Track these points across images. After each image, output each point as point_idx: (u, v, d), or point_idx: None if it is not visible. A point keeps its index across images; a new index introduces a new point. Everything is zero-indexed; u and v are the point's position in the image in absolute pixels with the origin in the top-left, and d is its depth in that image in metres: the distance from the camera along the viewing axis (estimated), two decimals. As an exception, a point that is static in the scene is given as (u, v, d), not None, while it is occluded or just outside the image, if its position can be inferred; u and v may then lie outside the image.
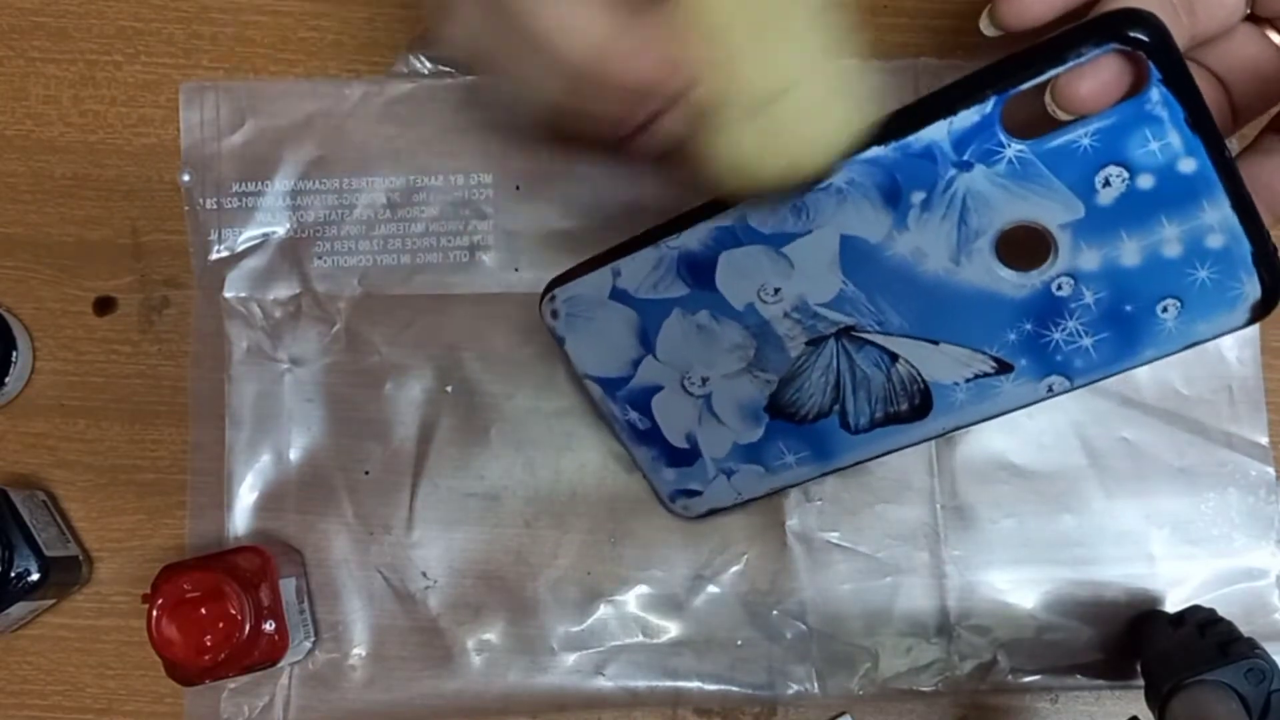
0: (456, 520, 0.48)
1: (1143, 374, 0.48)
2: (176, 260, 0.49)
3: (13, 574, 0.44)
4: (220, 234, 0.49)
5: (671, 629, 0.47)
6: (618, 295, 0.40)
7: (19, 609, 0.45)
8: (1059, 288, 0.35)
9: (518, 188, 0.49)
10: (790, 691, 0.47)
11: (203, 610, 0.42)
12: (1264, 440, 0.48)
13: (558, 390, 0.48)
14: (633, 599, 0.47)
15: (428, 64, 0.49)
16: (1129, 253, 0.34)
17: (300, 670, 0.47)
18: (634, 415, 0.42)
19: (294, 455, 0.48)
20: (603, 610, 0.47)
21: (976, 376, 0.37)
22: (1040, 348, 0.36)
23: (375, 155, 0.49)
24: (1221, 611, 0.44)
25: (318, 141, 0.49)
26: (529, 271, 0.49)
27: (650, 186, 0.49)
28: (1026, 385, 0.37)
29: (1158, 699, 0.41)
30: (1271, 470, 0.48)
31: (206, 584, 0.42)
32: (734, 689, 0.47)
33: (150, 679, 0.47)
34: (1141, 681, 0.44)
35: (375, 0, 0.50)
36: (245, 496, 0.48)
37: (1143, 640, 0.46)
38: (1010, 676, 0.47)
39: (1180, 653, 0.42)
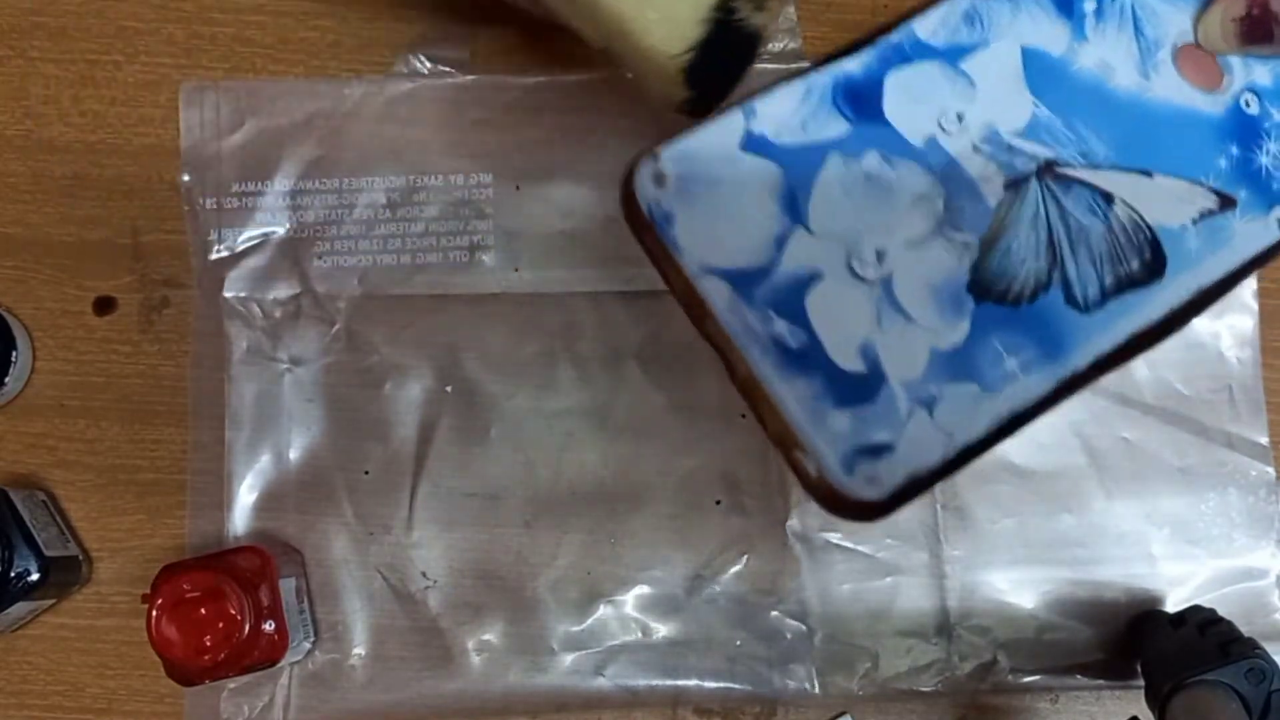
0: (456, 520, 0.48)
1: (1143, 373, 0.48)
2: (176, 260, 0.49)
3: (12, 574, 0.44)
4: (220, 234, 0.49)
5: (671, 629, 0.47)
6: (753, 144, 0.31)
7: (19, 609, 0.45)
8: (1246, 104, 0.33)
9: (518, 188, 0.49)
10: (790, 691, 0.47)
11: (202, 610, 0.42)
12: (1264, 440, 0.48)
13: (558, 390, 0.48)
14: (632, 599, 0.47)
15: (428, 64, 0.49)
16: None
17: (300, 670, 0.47)
18: (782, 326, 0.30)
19: (294, 455, 0.48)
20: (603, 610, 0.47)
21: (1202, 216, 0.33)
22: (1253, 175, 0.33)
23: (375, 155, 0.49)
24: (1222, 611, 0.44)
25: (317, 141, 0.49)
26: (529, 271, 0.49)
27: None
28: (1256, 223, 0.33)
29: (1158, 699, 0.41)
30: (1271, 470, 0.48)
31: (206, 584, 0.42)
32: (734, 689, 0.47)
33: (150, 679, 0.47)
34: (1141, 681, 0.44)
35: (375, 1, 0.50)
36: (245, 496, 0.48)
37: (1143, 640, 0.46)
38: (1010, 676, 0.47)
39: (1180, 653, 0.42)
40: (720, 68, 0.35)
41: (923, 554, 0.48)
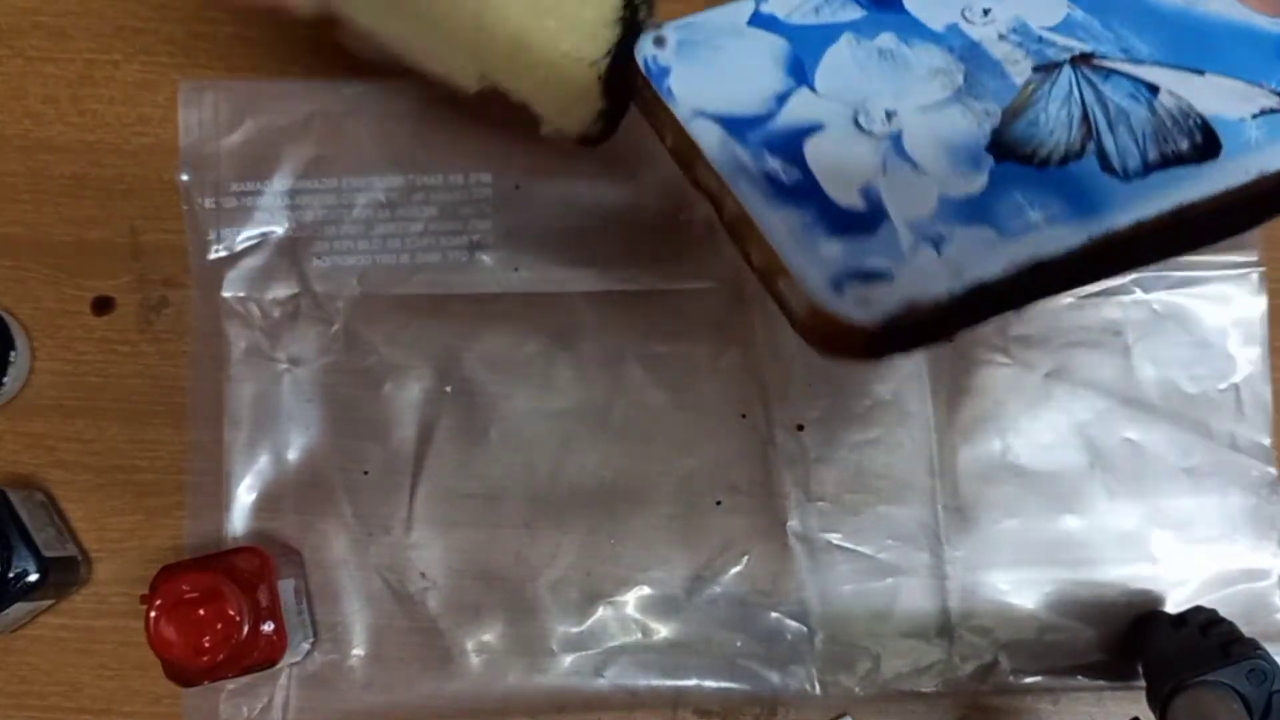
0: (456, 520, 0.48)
1: (1148, 372, 0.48)
2: (175, 260, 0.49)
3: (11, 574, 0.44)
4: (219, 233, 0.49)
5: (672, 630, 0.47)
6: (762, 21, 0.31)
7: (17, 610, 0.45)
8: None
9: (517, 187, 0.49)
10: (791, 692, 0.47)
11: (201, 611, 0.42)
12: (1268, 441, 0.48)
13: (558, 390, 0.48)
14: (632, 599, 0.47)
15: None
16: None
17: (299, 671, 0.47)
18: (776, 164, 0.28)
19: (293, 455, 0.48)
20: (602, 611, 0.47)
21: (1264, 112, 0.29)
22: None
23: (374, 155, 0.49)
24: (1223, 612, 0.44)
25: (316, 141, 0.49)
26: (529, 271, 0.49)
27: (650, 187, 0.48)
28: None
29: (1159, 699, 0.41)
30: (1274, 470, 0.48)
31: (205, 585, 0.42)
32: (734, 689, 0.47)
33: (149, 680, 0.47)
34: (1143, 682, 0.44)
35: None
36: (244, 497, 0.48)
37: (1144, 641, 0.45)
38: (1012, 677, 0.47)
39: (1182, 653, 0.42)
40: (628, 73, 0.34)
41: (924, 554, 0.47)
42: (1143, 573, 0.48)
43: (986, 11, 0.31)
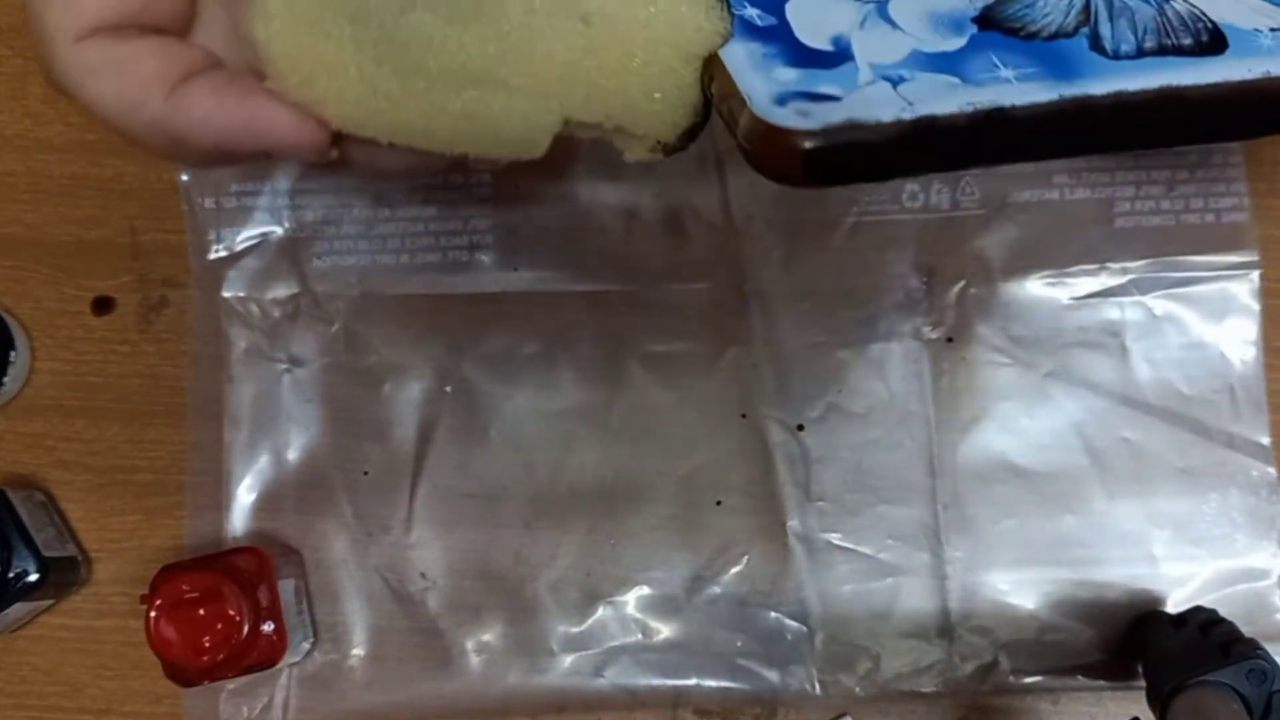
0: (456, 521, 0.48)
1: (1145, 373, 0.48)
2: (175, 260, 0.49)
3: (11, 574, 0.44)
4: (219, 233, 0.49)
5: (672, 630, 0.47)
6: None
7: (17, 609, 0.45)
8: None
9: (517, 187, 0.49)
10: (791, 692, 0.47)
11: (201, 611, 0.42)
12: (1266, 440, 0.48)
13: (558, 390, 0.48)
14: (632, 600, 0.47)
15: None
16: None
17: (299, 671, 0.47)
18: (752, 11, 0.28)
19: (293, 455, 0.48)
20: (602, 611, 0.47)
21: None
22: None
23: (374, 154, 0.49)
24: (1223, 612, 0.44)
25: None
26: (528, 271, 0.49)
27: (649, 187, 0.48)
28: None
29: (1159, 700, 0.41)
30: (1273, 470, 0.48)
31: (205, 585, 0.42)
32: (734, 689, 0.47)
33: (149, 680, 0.47)
34: (1143, 682, 0.44)
35: None
36: (244, 497, 0.48)
37: (1144, 641, 0.45)
38: (1011, 677, 0.47)
39: (1182, 653, 0.42)
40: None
41: (924, 555, 0.47)
42: (1142, 573, 0.48)
43: None
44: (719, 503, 0.48)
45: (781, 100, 0.25)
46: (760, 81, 0.26)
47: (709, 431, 0.48)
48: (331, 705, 0.47)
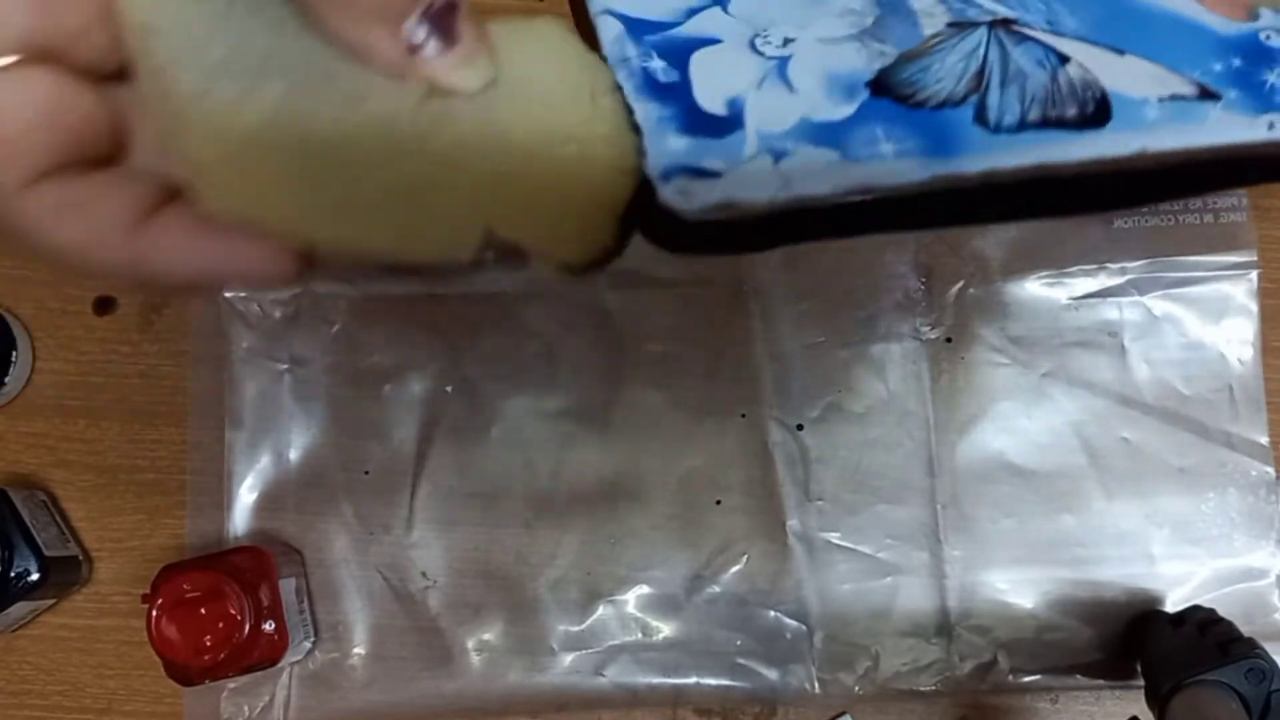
0: (456, 520, 0.48)
1: (1143, 373, 0.48)
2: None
3: (12, 574, 0.44)
4: (220, 234, 0.49)
5: (671, 629, 0.47)
6: None
7: (19, 609, 0.45)
8: (1267, 37, 0.30)
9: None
10: (790, 691, 0.47)
11: (202, 610, 0.42)
12: (1264, 440, 0.48)
13: (558, 390, 0.48)
14: (633, 599, 0.47)
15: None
16: None
17: (300, 670, 0.47)
18: (658, 64, 0.29)
19: (294, 455, 0.48)
20: (603, 610, 0.47)
21: (1174, 97, 0.28)
22: (1254, 85, 0.29)
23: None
24: (1222, 611, 0.44)
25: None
26: (529, 271, 0.49)
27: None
28: (1240, 117, 0.28)
29: (1158, 699, 0.41)
30: (1272, 470, 0.48)
31: (206, 584, 0.42)
32: (734, 688, 0.47)
33: (150, 679, 0.47)
34: (1141, 681, 0.44)
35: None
36: (245, 496, 0.48)
37: (1143, 640, 0.45)
38: (1010, 676, 0.47)
39: (1180, 653, 0.42)
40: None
41: (923, 554, 0.48)
42: (1141, 572, 0.48)
43: None
44: (719, 502, 0.48)
45: (667, 175, 0.26)
46: (656, 150, 0.27)
47: (708, 431, 0.48)
48: (332, 704, 0.47)
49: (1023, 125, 0.27)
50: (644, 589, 0.47)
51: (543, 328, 0.48)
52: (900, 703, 0.47)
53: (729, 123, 0.27)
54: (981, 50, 0.29)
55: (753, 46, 0.29)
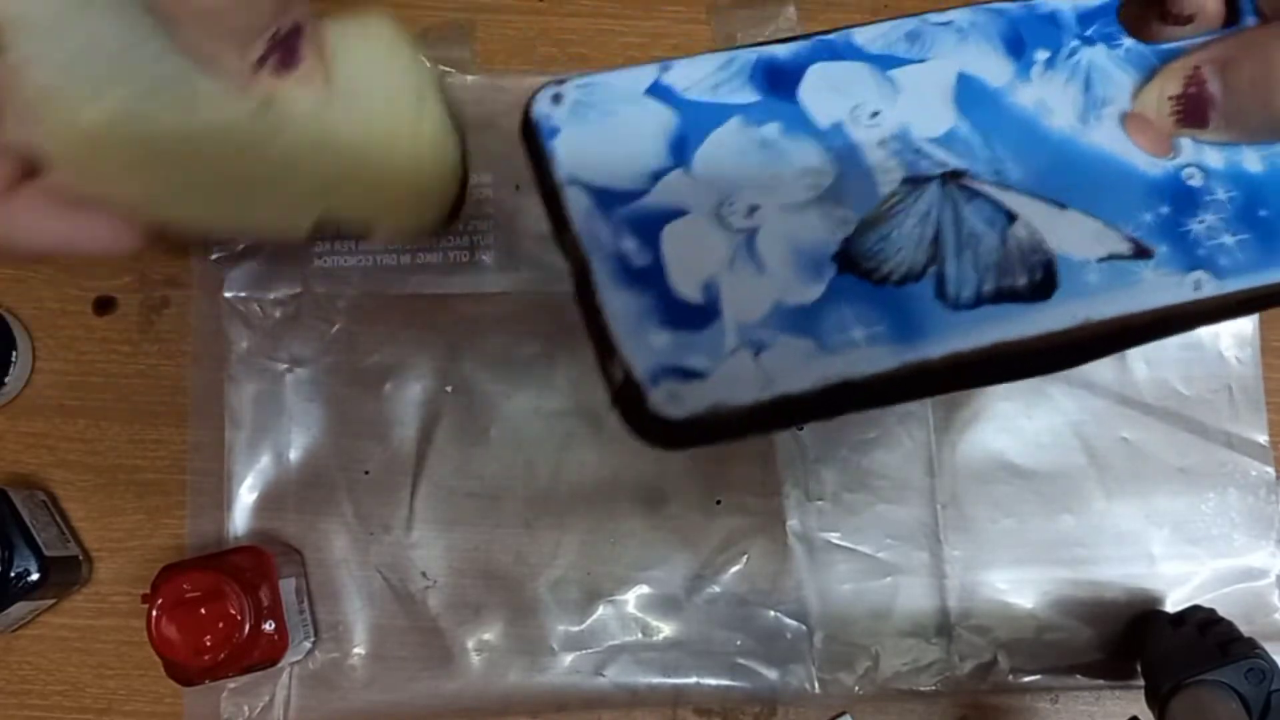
0: (456, 520, 0.48)
1: (1142, 373, 0.48)
2: (176, 260, 0.49)
3: (12, 574, 0.44)
4: (220, 234, 0.49)
5: (671, 629, 0.47)
6: (659, 91, 0.31)
7: (19, 609, 0.45)
8: (1189, 177, 0.31)
9: (517, 187, 0.49)
10: (790, 691, 0.47)
11: (202, 610, 0.42)
12: (1264, 440, 0.48)
13: (558, 390, 0.48)
14: (633, 599, 0.47)
15: (428, 63, 0.49)
16: (1250, 160, 0.32)
17: (300, 670, 0.47)
18: (631, 244, 0.29)
19: (294, 455, 0.48)
20: (603, 610, 0.47)
21: (1111, 257, 0.30)
22: (1180, 236, 0.31)
23: (375, 155, 0.49)
24: (1222, 611, 0.44)
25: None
26: (529, 271, 0.49)
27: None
28: (1171, 277, 0.30)
29: (1158, 699, 0.41)
30: (1271, 470, 0.48)
31: (206, 584, 0.42)
32: (734, 688, 0.47)
33: (150, 679, 0.47)
34: (1142, 681, 0.44)
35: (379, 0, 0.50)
36: (245, 496, 0.48)
37: (1143, 640, 0.46)
38: (1010, 676, 0.47)
39: (1180, 653, 0.42)
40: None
41: (923, 554, 0.48)
42: (1141, 572, 0.48)
43: (875, 114, 0.31)
44: (719, 502, 0.48)
45: (655, 378, 0.28)
46: (638, 350, 0.28)
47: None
48: (332, 704, 0.47)
49: (979, 299, 0.29)
50: (644, 589, 0.47)
51: (543, 328, 0.48)
52: (900, 703, 0.48)
53: (706, 312, 0.28)
54: (935, 211, 0.30)
55: (719, 218, 0.30)
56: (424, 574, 0.48)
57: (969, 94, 0.31)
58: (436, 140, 0.36)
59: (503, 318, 0.48)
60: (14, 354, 0.47)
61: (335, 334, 0.48)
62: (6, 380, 0.47)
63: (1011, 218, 0.30)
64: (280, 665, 0.45)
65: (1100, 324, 0.29)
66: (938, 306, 0.29)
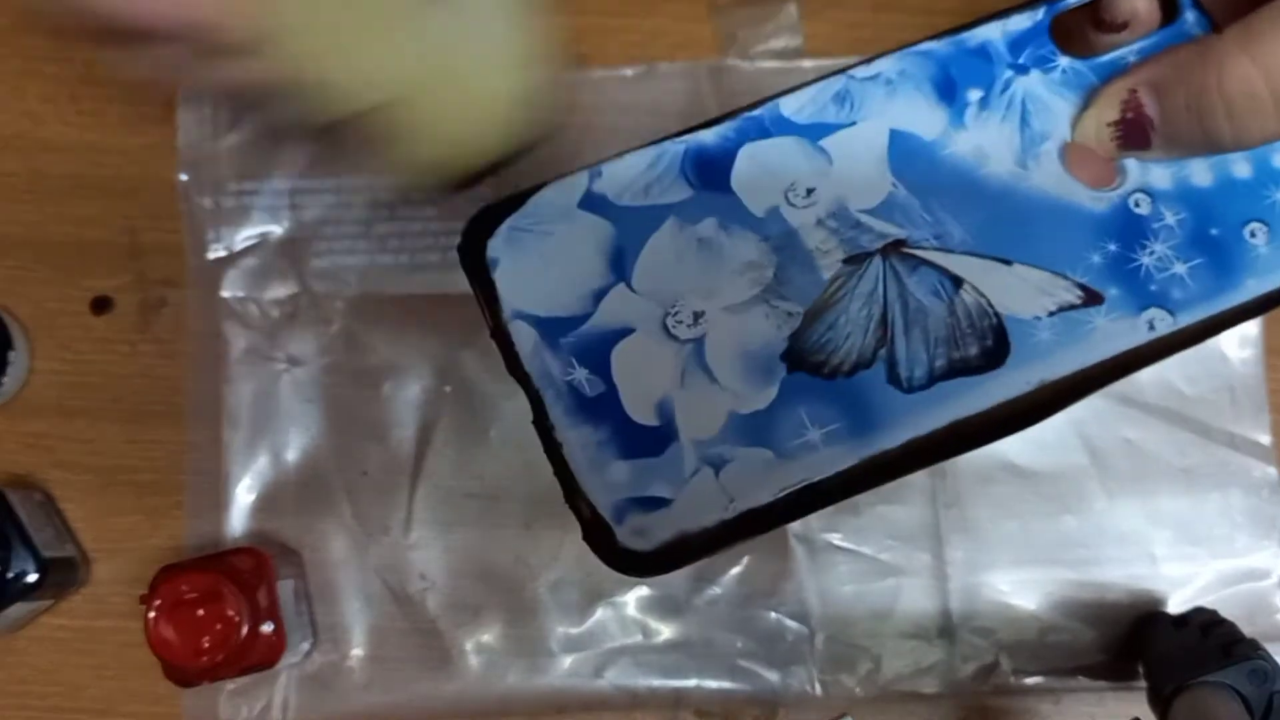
0: (455, 521, 0.48)
1: (1144, 373, 0.48)
2: (174, 260, 0.49)
3: (10, 575, 0.44)
4: (218, 233, 0.49)
5: (672, 630, 0.47)
6: (592, 203, 0.30)
7: (17, 610, 0.45)
8: (1136, 204, 0.31)
9: (516, 187, 0.49)
10: (791, 693, 0.47)
11: (200, 612, 0.42)
12: (1266, 440, 0.48)
13: (557, 390, 0.48)
14: (633, 600, 0.47)
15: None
16: (1199, 172, 0.31)
17: (298, 672, 0.47)
18: (582, 374, 0.29)
19: (292, 456, 0.48)
20: (602, 612, 0.47)
21: (1061, 309, 0.29)
22: (1130, 274, 0.30)
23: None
24: (1224, 612, 0.44)
25: (316, 140, 0.49)
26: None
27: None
28: (1123, 321, 0.30)
29: (1160, 700, 0.41)
30: (1274, 470, 0.48)
31: (204, 585, 0.42)
32: (735, 690, 0.47)
33: (148, 680, 0.47)
34: (1144, 683, 0.44)
35: None
36: (243, 497, 0.48)
37: (1145, 641, 0.45)
38: (1012, 678, 0.47)
39: (1183, 654, 0.42)
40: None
41: (924, 555, 0.47)
42: (1143, 573, 0.47)
43: (810, 191, 0.30)
44: (719, 503, 0.48)
45: (619, 515, 0.28)
46: (599, 486, 0.28)
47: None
48: (331, 706, 0.47)
49: (931, 378, 0.29)
50: (644, 590, 0.47)
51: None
52: (902, 704, 0.47)
53: (663, 434, 0.28)
54: (880, 289, 0.30)
55: (666, 330, 0.29)
56: (423, 575, 0.47)
57: (902, 154, 0.31)
58: (523, 90, 0.34)
59: (502, 317, 0.48)
60: (11, 354, 0.47)
61: (334, 334, 0.48)
62: (4, 380, 0.47)
63: (958, 283, 0.30)
64: (278, 667, 0.45)
65: (1057, 382, 0.29)
66: (891, 392, 0.29)
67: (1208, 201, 0.31)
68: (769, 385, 0.29)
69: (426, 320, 0.48)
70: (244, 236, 0.49)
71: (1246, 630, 0.42)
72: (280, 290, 0.48)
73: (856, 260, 0.30)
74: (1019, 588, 0.47)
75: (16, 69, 0.50)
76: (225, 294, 0.48)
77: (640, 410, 0.29)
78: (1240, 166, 0.31)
